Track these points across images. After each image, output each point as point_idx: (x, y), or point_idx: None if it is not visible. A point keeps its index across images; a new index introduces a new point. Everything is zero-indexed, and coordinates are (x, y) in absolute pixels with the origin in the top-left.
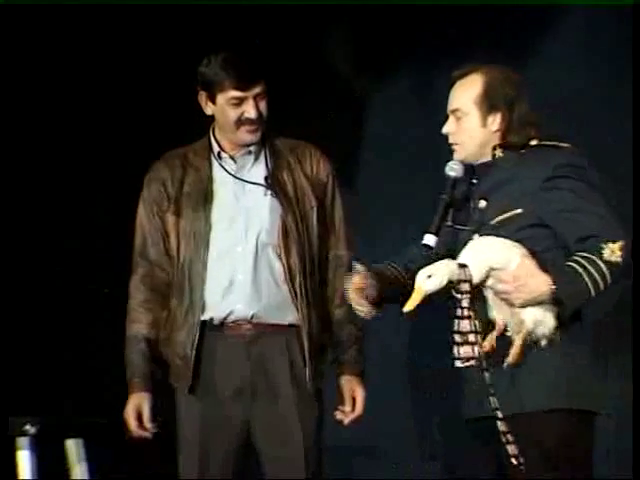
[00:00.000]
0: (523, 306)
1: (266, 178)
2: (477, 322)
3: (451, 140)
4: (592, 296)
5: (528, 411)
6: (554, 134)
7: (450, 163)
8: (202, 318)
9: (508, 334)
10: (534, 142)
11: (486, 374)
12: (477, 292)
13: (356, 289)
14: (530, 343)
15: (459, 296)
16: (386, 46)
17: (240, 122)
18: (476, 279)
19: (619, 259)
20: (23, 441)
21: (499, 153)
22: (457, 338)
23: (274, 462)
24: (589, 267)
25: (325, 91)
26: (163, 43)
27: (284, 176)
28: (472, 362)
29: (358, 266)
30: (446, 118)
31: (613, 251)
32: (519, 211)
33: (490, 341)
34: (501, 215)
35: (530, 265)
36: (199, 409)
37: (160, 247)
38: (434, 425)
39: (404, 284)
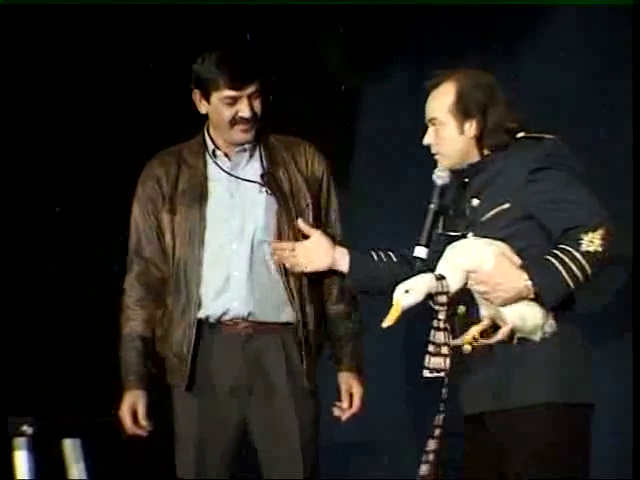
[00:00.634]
0: (504, 304)
1: (262, 176)
2: (451, 336)
3: (433, 150)
4: (571, 289)
5: (522, 405)
6: (543, 129)
7: (436, 171)
8: (198, 316)
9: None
10: (520, 135)
11: (443, 390)
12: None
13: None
14: (524, 337)
15: (437, 307)
16: (379, 43)
17: (234, 121)
18: (454, 287)
19: (599, 248)
20: (21, 442)
21: (487, 151)
22: (431, 348)
23: (271, 460)
24: (566, 259)
25: (319, 88)
26: (157, 41)
27: (279, 173)
28: (440, 374)
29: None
30: (426, 129)
31: (592, 240)
32: (507, 206)
33: (472, 333)
34: (490, 212)
35: (505, 263)
36: (196, 407)
37: (155, 245)
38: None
39: (392, 271)
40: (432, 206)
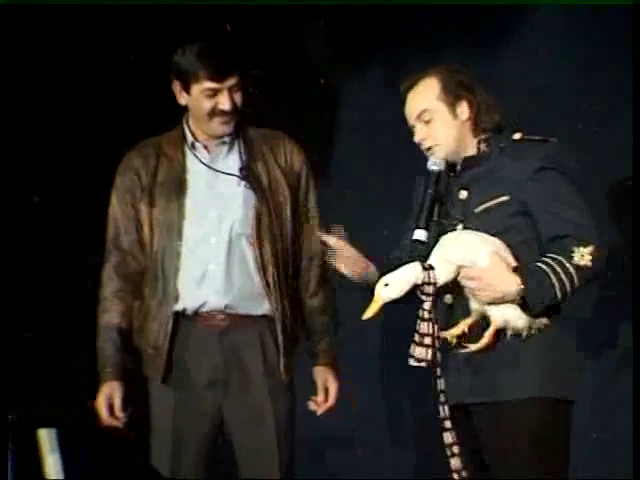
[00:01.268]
0: (491, 304)
1: (240, 169)
2: (437, 326)
3: (427, 144)
4: (558, 299)
5: (505, 400)
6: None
7: (432, 158)
8: (175, 308)
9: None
10: (517, 136)
11: (439, 380)
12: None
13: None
14: (513, 335)
15: (423, 297)
16: (360, 36)
17: (213, 113)
18: (442, 280)
19: (588, 263)
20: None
21: (484, 147)
22: (416, 338)
23: (247, 452)
24: (558, 269)
25: (300, 81)
26: (138, 32)
27: (258, 167)
28: (424, 364)
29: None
30: (410, 131)
31: (583, 255)
32: (505, 198)
33: (462, 326)
34: (485, 204)
35: (499, 263)
36: (172, 399)
37: (133, 236)
38: (408, 414)
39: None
40: (429, 191)
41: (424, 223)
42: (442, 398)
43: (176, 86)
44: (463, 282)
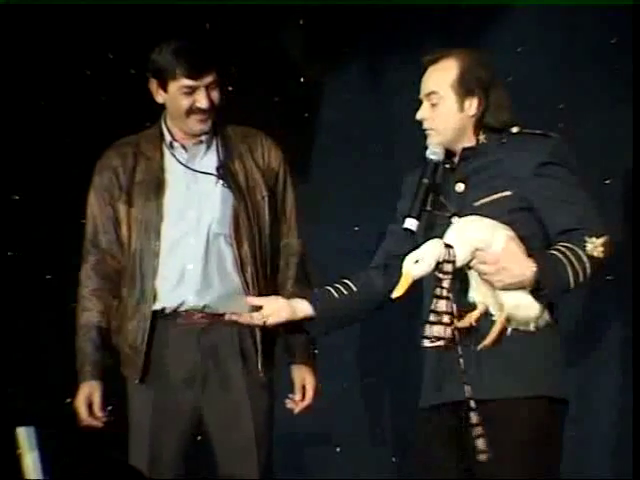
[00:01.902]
0: (504, 289)
1: (218, 168)
2: (454, 305)
3: (426, 125)
4: (571, 287)
5: (502, 398)
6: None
7: (431, 146)
8: (153, 308)
9: (494, 318)
10: (515, 130)
11: (460, 360)
12: (459, 273)
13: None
14: (517, 327)
15: (441, 276)
16: (340, 33)
17: (191, 111)
18: (460, 260)
19: (601, 255)
20: None
21: (483, 139)
22: (432, 317)
23: (226, 450)
24: (573, 258)
25: (278, 79)
26: (116, 31)
27: (235, 165)
28: (441, 342)
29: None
30: (419, 103)
31: (596, 246)
32: (508, 193)
33: (469, 319)
34: (485, 198)
35: (515, 248)
36: (150, 398)
37: (111, 235)
38: (387, 412)
39: (352, 304)
40: (425, 180)
41: (416, 212)
42: (465, 378)
43: (153, 84)
44: (477, 267)
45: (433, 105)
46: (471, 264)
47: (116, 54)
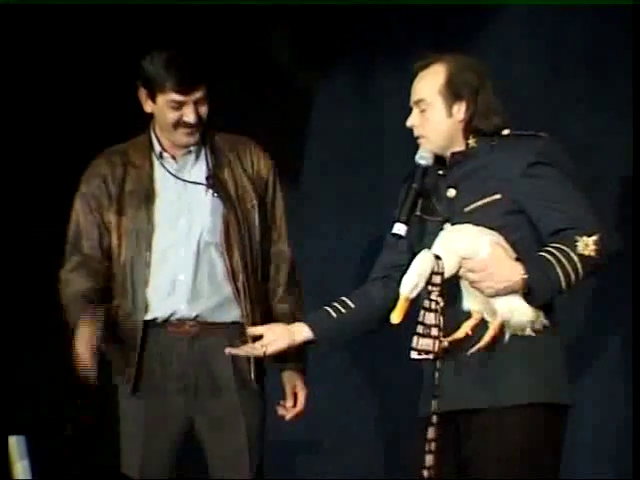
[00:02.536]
0: (495, 295)
1: (207, 177)
2: (442, 317)
3: (416, 133)
4: (563, 289)
5: (504, 405)
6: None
7: (420, 151)
8: (145, 318)
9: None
10: (506, 132)
11: (436, 374)
12: (452, 282)
13: None
14: (515, 332)
15: (430, 287)
16: (327, 41)
17: (178, 124)
18: (448, 271)
19: (592, 253)
20: None
21: (473, 143)
22: (420, 329)
23: (217, 457)
24: (562, 259)
25: (265, 86)
26: (105, 38)
27: (225, 175)
28: (429, 356)
29: None
30: (409, 111)
31: (587, 244)
32: (497, 197)
33: (465, 328)
34: (475, 202)
35: (501, 253)
36: (142, 407)
37: (94, 242)
38: (378, 420)
39: (352, 321)
40: (415, 185)
41: (404, 217)
42: (436, 392)
43: (142, 93)
44: (465, 275)
45: (422, 112)
46: (460, 273)
47: (106, 61)
